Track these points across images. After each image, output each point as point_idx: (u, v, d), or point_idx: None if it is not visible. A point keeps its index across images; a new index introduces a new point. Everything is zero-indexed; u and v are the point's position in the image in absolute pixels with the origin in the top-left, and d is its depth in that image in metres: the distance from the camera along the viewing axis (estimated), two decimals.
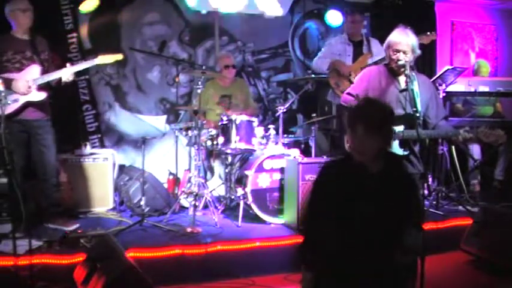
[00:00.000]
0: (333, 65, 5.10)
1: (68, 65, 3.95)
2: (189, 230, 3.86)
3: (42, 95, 3.93)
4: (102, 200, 4.76)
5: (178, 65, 5.66)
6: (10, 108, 3.81)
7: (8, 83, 3.77)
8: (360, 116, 2.22)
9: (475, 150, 5.49)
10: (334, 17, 6.10)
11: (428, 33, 4.51)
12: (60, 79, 3.96)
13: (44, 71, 3.94)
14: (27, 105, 3.89)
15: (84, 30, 5.33)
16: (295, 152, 4.46)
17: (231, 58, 5.29)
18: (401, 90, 3.42)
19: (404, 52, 3.35)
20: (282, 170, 4.34)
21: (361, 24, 5.33)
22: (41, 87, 3.91)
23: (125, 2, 5.53)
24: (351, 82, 4.88)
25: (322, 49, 5.47)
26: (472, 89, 5.32)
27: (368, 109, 2.24)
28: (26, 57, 3.92)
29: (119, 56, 4.10)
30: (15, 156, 3.76)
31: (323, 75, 5.22)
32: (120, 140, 5.60)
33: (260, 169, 4.29)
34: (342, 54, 5.21)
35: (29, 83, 3.82)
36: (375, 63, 4.77)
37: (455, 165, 5.19)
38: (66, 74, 3.93)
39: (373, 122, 2.17)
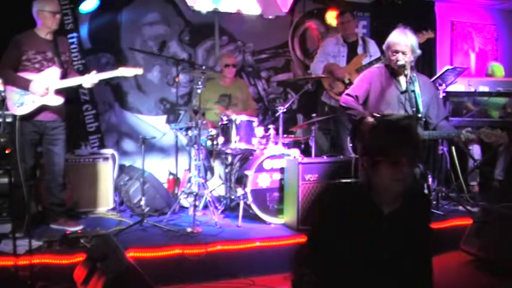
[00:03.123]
0: (327, 67, 5.09)
1: (93, 72, 3.92)
2: (189, 230, 3.86)
3: (59, 100, 3.91)
4: (102, 200, 4.76)
5: (178, 65, 5.65)
6: (25, 109, 3.81)
7: (26, 84, 3.77)
8: (405, 140, 1.81)
9: (476, 150, 5.48)
10: (334, 17, 6.10)
11: (424, 31, 4.49)
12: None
13: (63, 73, 3.93)
14: (43, 107, 3.87)
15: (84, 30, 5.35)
16: (295, 152, 4.46)
17: (232, 57, 5.30)
18: (402, 92, 3.43)
19: (403, 52, 3.35)
20: (282, 170, 4.34)
21: (352, 24, 5.28)
22: (58, 92, 3.89)
23: (125, 2, 5.53)
24: (345, 84, 4.88)
25: (318, 51, 5.45)
26: (472, 89, 5.33)
27: (412, 130, 1.87)
28: (47, 58, 3.88)
29: (139, 71, 4.05)
30: (26, 156, 3.78)
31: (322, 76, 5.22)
32: (120, 140, 5.60)
33: (260, 169, 4.29)
34: (336, 55, 5.18)
35: (47, 86, 3.80)
36: (370, 63, 4.77)
37: (455, 165, 5.20)
38: (88, 81, 3.90)
39: (420, 147, 1.85)
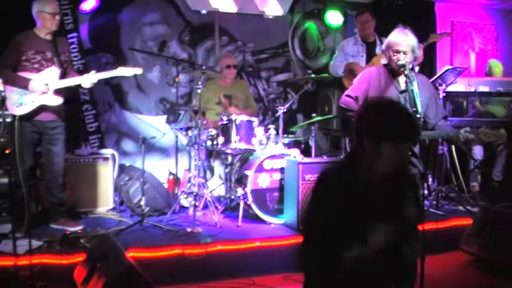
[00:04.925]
0: (348, 66, 5.07)
1: (92, 72, 3.91)
2: (189, 230, 3.86)
3: (58, 100, 3.90)
4: (102, 200, 4.76)
5: (178, 65, 5.66)
6: (24, 109, 3.80)
7: (25, 83, 3.76)
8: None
9: (478, 151, 5.46)
10: (334, 17, 6.10)
11: (443, 31, 4.51)
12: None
13: (63, 73, 3.92)
14: (42, 108, 3.86)
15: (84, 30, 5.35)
16: (295, 152, 4.46)
17: (232, 58, 5.29)
18: (402, 91, 3.42)
19: (404, 52, 3.35)
20: (282, 170, 4.34)
21: (371, 24, 5.23)
22: (57, 92, 3.88)
23: (125, 2, 5.53)
24: None
25: (336, 52, 5.43)
26: (472, 89, 5.32)
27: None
28: (46, 58, 3.87)
29: (139, 70, 4.03)
30: (25, 156, 3.78)
31: (326, 75, 5.21)
32: (120, 140, 5.60)
33: (260, 169, 4.29)
34: (355, 55, 5.16)
35: (46, 82, 3.79)
36: None
37: (455, 165, 5.20)
38: (87, 81, 3.89)
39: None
